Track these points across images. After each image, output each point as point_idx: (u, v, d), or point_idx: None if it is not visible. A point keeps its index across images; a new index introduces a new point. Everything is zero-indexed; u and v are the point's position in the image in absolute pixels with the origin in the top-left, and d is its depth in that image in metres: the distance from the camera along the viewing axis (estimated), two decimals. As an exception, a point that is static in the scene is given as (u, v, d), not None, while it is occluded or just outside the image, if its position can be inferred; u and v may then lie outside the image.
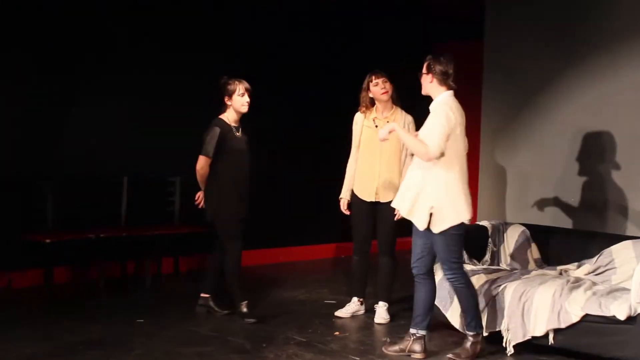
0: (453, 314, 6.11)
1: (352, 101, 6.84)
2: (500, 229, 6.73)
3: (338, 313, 6.86)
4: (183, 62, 8.60)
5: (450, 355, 5.73)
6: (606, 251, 6.19)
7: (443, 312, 6.17)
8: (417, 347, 5.74)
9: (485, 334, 5.82)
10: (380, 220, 6.70)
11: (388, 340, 6.08)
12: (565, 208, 7.09)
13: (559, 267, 6.39)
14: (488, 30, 7.82)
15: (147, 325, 6.43)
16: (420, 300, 5.72)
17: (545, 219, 7.15)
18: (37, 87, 7.78)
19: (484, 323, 5.82)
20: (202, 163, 6.54)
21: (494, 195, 7.69)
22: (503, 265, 6.61)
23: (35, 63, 7.76)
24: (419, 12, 10.37)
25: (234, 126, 6.62)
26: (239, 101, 6.59)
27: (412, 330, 5.77)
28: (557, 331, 5.60)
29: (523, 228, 6.73)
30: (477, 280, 6.03)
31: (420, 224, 5.56)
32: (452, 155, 5.51)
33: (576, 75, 7.14)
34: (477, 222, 6.96)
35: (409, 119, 6.70)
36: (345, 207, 6.78)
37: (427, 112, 5.65)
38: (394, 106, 6.71)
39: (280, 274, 8.68)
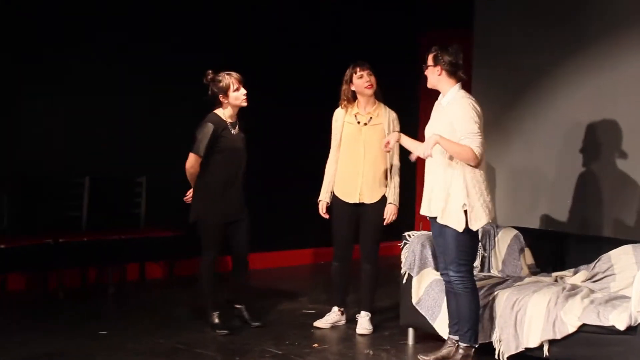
0: (441, 324, 6.06)
1: (329, 97, 6.78)
2: (491, 233, 6.72)
3: (317, 324, 6.83)
4: (145, 58, 8.55)
5: None
6: (604, 256, 6.18)
7: (430, 321, 6.14)
8: None
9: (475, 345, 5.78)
10: (364, 223, 6.66)
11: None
12: (561, 210, 7.11)
13: (554, 274, 6.38)
14: (477, 20, 7.80)
15: (111, 337, 6.40)
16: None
17: (539, 221, 7.18)
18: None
19: (474, 334, 5.81)
20: (192, 161, 6.49)
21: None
22: (494, 272, 6.60)
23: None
24: (403, 2, 10.33)
25: (230, 122, 6.56)
26: (236, 97, 6.51)
27: (463, 344, 5.71)
28: (552, 342, 5.57)
29: (516, 232, 6.72)
30: (467, 288, 5.99)
31: (458, 225, 5.56)
32: None
33: (573, 67, 7.14)
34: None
35: (393, 115, 6.68)
36: (324, 211, 6.73)
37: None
38: (377, 101, 6.66)
39: (255, 282, 8.61)
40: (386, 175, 6.61)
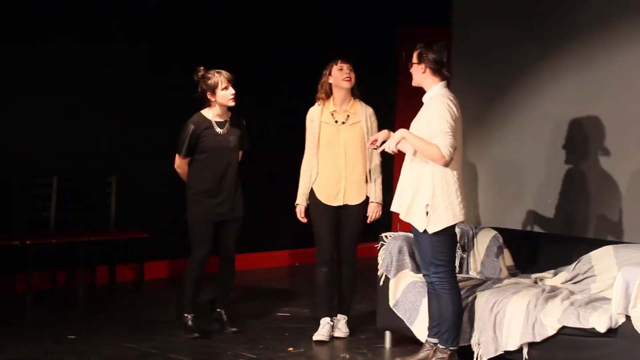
0: (419, 327, 6.09)
1: (305, 97, 6.79)
2: (469, 234, 6.74)
3: (317, 337, 6.61)
4: (113, 57, 8.52)
5: None
6: (585, 257, 6.19)
7: (408, 324, 6.16)
8: None
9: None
10: (346, 225, 6.64)
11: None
12: (542, 210, 7.08)
13: (534, 275, 6.39)
14: (455, 17, 7.79)
15: (80, 342, 6.38)
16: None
17: (519, 222, 7.15)
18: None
19: (452, 337, 5.84)
20: (177, 162, 6.67)
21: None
22: (473, 274, 6.62)
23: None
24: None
25: (218, 121, 6.61)
26: (223, 96, 6.55)
27: (441, 346, 5.74)
28: (531, 345, 5.60)
29: (495, 232, 6.74)
30: (445, 290, 6.02)
31: (419, 225, 5.60)
32: None
33: (558, 60, 7.06)
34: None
35: (369, 110, 6.67)
36: (303, 215, 6.69)
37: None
38: (352, 98, 6.67)
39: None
40: (368, 173, 6.62)
